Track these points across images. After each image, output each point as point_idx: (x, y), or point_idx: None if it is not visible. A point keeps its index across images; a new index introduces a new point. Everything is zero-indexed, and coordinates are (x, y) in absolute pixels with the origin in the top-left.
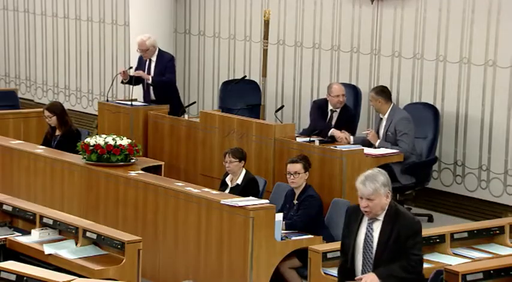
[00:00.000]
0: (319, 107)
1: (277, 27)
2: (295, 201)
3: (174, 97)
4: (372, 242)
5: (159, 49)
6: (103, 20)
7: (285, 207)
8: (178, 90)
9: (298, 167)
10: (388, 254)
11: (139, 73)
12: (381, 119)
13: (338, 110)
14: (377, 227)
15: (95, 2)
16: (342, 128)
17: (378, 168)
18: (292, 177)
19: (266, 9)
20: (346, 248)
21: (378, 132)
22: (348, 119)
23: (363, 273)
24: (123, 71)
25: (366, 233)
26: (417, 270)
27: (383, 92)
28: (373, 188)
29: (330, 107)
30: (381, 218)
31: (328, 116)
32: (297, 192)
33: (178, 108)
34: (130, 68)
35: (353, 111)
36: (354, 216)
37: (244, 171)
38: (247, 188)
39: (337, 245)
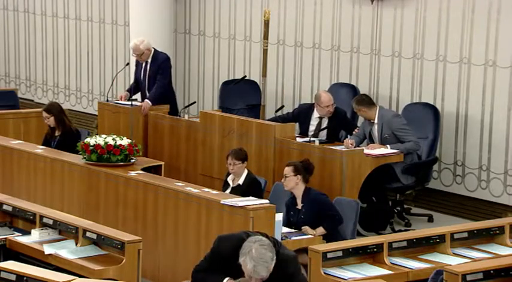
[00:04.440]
0: (302, 112)
1: (277, 27)
2: (300, 206)
3: (170, 101)
4: None
5: (155, 50)
6: (103, 20)
7: (290, 214)
8: (175, 93)
9: (287, 170)
10: None
11: (145, 110)
12: (372, 122)
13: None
14: None
15: (95, 2)
16: (335, 133)
17: (259, 238)
18: (283, 179)
19: (266, 9)
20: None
21: (370, 136)
22: (339, 123)
23: None
24: (122, 96)
25: None
26: None
27: (362, 101)
28: (266, 271)
29: (316, 115)
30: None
31: (316, 123)
32: (297, 196)
33: (174, 112)
34: (127, 64)
35: (343, 112)
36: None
37: (246, 171)
38: (250, 189)
39: (337, 245)
